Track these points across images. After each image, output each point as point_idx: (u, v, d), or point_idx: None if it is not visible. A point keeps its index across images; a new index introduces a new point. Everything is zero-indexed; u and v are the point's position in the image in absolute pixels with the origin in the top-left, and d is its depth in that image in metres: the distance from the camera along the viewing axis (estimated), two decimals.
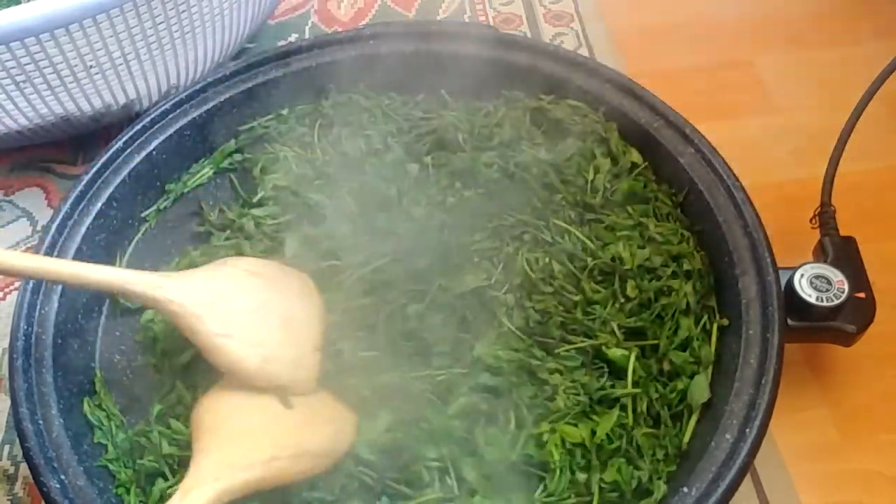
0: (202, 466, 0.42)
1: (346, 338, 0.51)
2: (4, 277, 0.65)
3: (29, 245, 0.67)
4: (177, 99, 0.62)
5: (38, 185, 0.71)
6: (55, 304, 0.53)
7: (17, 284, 0.65)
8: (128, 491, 0.48)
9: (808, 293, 0.51)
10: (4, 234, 0.68)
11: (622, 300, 0.53)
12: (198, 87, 0.63)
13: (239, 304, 0.48)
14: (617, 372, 0.51)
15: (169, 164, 0.62)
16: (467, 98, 0.65)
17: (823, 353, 0.58)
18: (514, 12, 0.83)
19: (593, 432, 0.48)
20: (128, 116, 0.68)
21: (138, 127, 0.60)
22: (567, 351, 0.51)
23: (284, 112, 0.66)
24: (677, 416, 0.50)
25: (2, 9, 0.55)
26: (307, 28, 0.83)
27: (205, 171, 0.63)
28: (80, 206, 0.57)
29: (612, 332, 0.52)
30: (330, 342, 0.51)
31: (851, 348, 0.53)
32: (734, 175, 0.55)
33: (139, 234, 0.60)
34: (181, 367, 0.52)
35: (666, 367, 0.51)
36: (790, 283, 0.51)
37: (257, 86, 0.64)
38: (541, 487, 0.47)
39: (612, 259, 0.55)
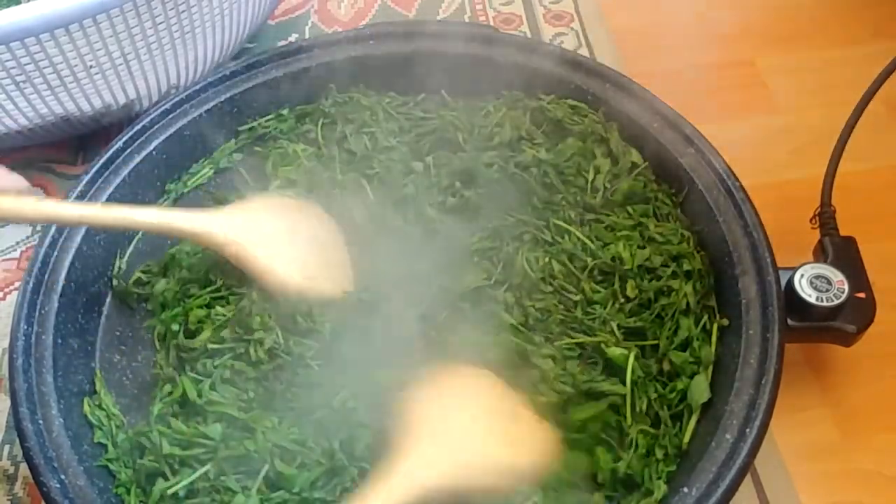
0: (411, 460, 0.42)
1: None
2: (4, 277, 0.65)
3: (29, 245, 0.67)
4: (177, 99, 0.62)
5: (38, 185, 0.71)
6: (55, 304, 0.53)
7: (17, 284, 0.65)
8: (128, 491, 0.48)
9: (808, 293, 0.51)
10: (4, 234, 0.68)
11: (622, 300, 0.53)
12: (198, 87, 0.63)
13: (271, 230, 0.52)
14: (615, 370, 0.51)
15: (169, 164, 0.62)
16: (467, 98, 0.65)
17: (823, 353, 0.58)
18: (514, 12, 0.83)
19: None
20: (128, 116, 0.68)
21: (138, 127, 0.60)
22: (567, 345, 0.51)
23: (284, 112, 0.66)
24: (677, 416, 0.50)
25: (2, 9, 0.55)
26: (307, 28, 0.83)
27: (205, 171, 0.64)
28: None
29: (612, 332, 0.52)
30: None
31: (851, 348, 0.53)
32: (734, 175, 0.55)
33: (139, 234, 0.60)
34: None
35: (666, 367, 0.51)
36: (790, 283, 0.51)
37: (257, 86, 0.64)
38: None
39: (612, 259, 0.55)
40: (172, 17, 0.61)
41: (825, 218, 0.56)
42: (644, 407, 0.49)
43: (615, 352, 0.50)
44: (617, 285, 0.54)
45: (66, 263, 0.54)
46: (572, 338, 0.51)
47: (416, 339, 0.52)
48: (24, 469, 0.56)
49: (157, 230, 0.51)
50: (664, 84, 0.62)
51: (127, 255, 0.59)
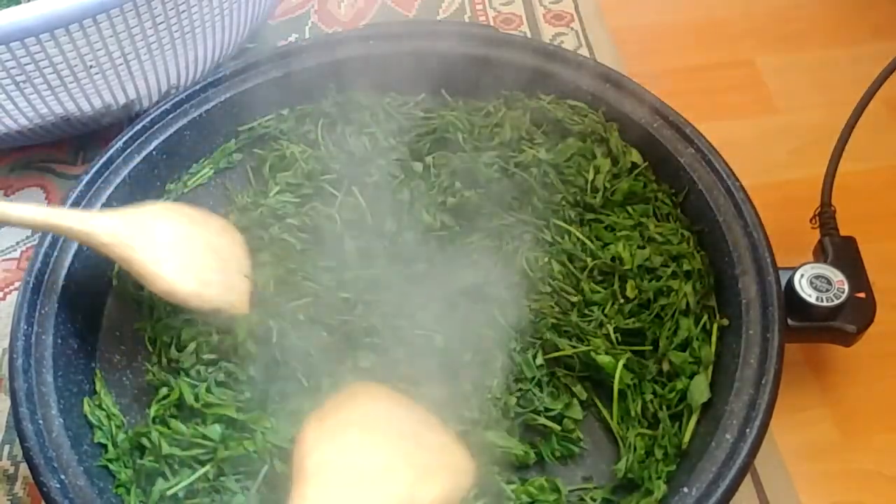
0: None
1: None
2: (4, 277, 0.65)
3: (29, 245, 0.67)
4: (177, 99, 0.62)
5: (38, 185, 0.71)
6: (55, 304, 0.53)
7: (17, 284, 0.65)
8: (128, 491, 0.48)
9: (808, 293, 0.51)
10: (4, 234, 0.68)
11: (622, 300, 0.53)
12: (198, 87, 0.63)
13: (166, 235, 0.51)
14: (605, 379, 0.51)
15: (169, 164, 0.62)
16: (467, 98, 0.65)
17: (823, 353, 0.58)
18: (514, 12, 0.83)
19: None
20: (128, 116, 0.68)
21: (138, 127, 0.60)
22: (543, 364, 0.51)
23: (284, 112, 0.66)
24: (677, 416, 0.50)
25: (2, 9, 0.55)
26: (307, 28, 0.83)
27: (205, 171, 0.64)
28: (80, 206, 0.57)
29: (606, 336, 0.52)
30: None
31: (851, 348, 0.53)
32: (734, 175, 0.55)
33: None
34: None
35: (665, 367, 0.51)
36: (790, 283, 0.51)
37: (257, 86, 0.64)
38: None
39: (612, 259, 0.55)
40: (172, 17, 0.61)
41: (825, 218, 0.56)
42: (639, 410, 0.50)
43: (604, 359, 0.50)
44: (616, 285, 0.54)
45: (66, 263, 0.54)
46: (560, 348, 0.51)
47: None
48: (24, 469, 0.56)
49: (40, 227, 0.50)
50: (664, 84, 0.62)
51: None
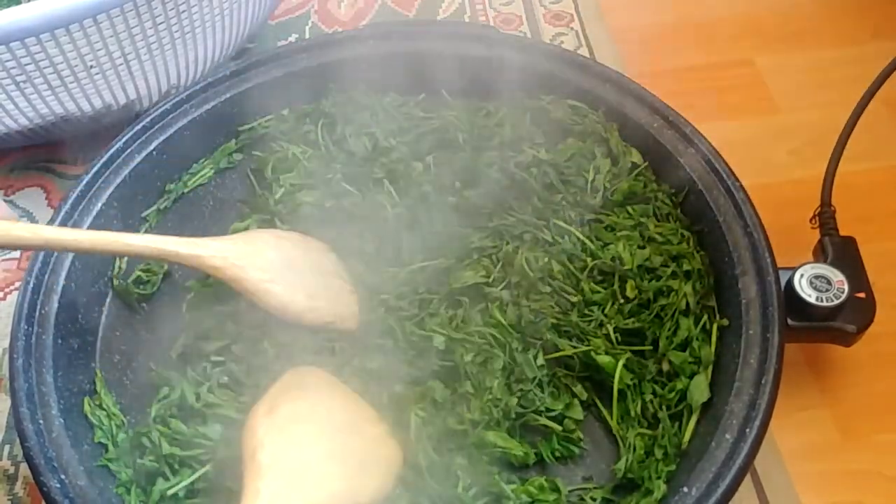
0: None
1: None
2: (5, 277, 0.65)
3: None
4: (177, 99, 0.62)
5: (38, 185, 0.71)
6: (55, 304, 0.53)
7: (17, 284, 0.65)
8: (128, 491, 0.48)
9: (808, 293, 0.51)
10: None
11: (621, 300, 0.53)
12: (198, 87, 0.63)
13: (273, 257, 0.52)
14: (600, 383, 0.51)
15: (169, 164, 0.62)
16: (467, 98, 0.65)
17: (823, 353, 0.58)
18: (514, 12, 0.83)
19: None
20: (128, 116, 0.68)
21: (138, 127, 0.60)
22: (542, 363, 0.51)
23: (284, 112, 0.66)
24: (677, 416, 0.50)
25: (2, 9, 0.55)
26: (307, 28, 0.83)
27: (205, 171, 0.64)
28: (81, 206, 0.57)
29: (606, 336, 0.52)
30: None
31: (851, 348, 0.53)
32: (734, 175, 0.55)
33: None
34: None
35: (665, 367, 0.51)
36: (790, 283, 0.51)
37: (257, 86, 0.64)
38: None
39: (612, 259, 0.55)
40: (172, 17, 0.61)
41: (825, 218, 0.56)
42: (638, 410, 0.50)
43: (604, 359, 0.50)
44: (616, 285, 0.54)
45: (67, 263, 0.54)
46: (560, 348, 0.51)
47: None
48: (24, 469, 0.56)
49: (153, 256, 0.50)
50: (664, 84, 0.62)
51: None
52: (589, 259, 0.55)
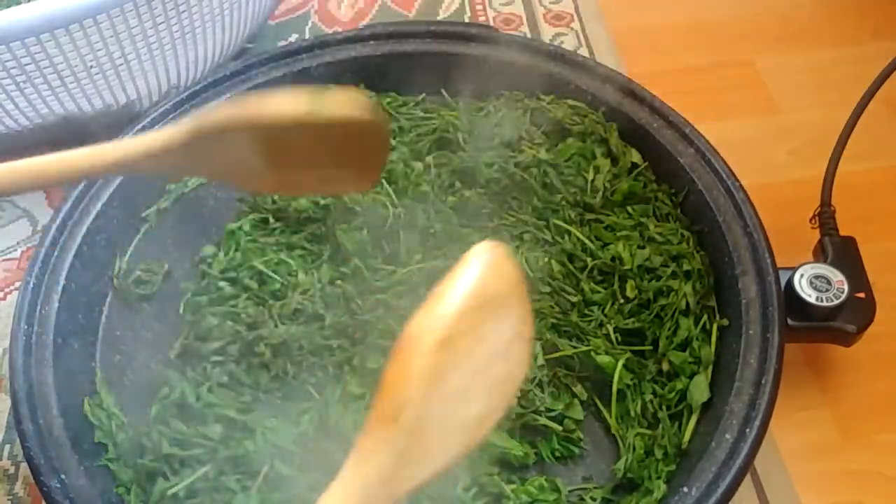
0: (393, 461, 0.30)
1: None
2: (5, 277, 0.65)
3: (29, 245, 0.67)
4: (177, 99, 0.62)
5: None
6: (55, 304, 0.53)
7: (17, 284, 0.65)
8: (128, 491, 0.48)
9: (807, 293, 0.51)
10: (4, 234, 0.68)
11: (621, 300, 0.53)
12: (198, 87, 0.63)
13: None
14: (605, 379, 0.51)
15: None
16: (467, 98, 0.65)
17: (823, 353, 0.58)
18: (514, 12, 0.83)
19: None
20: (128, 116, 0.68)
21: (138, 127, 0.60)
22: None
23: None
24: (677, 416, 0.50)
25: (2, 9, 0.55)
26: (307, 28, 0.83)
27: None
28: (81, 206, 0.57)
29: (606, 336, 0.52)
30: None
31: (851, 348, 0.53)
32: (734, 175, 0.55)
33: (140, 234, 0.60)
34: None
35: (665, 367, 0.51)
36: (790, 283, 0.51)
37: (257, 86, 0.64)
38: None
39: (612, 259, 0.55)
40: (172, 17, 0.61)
41: (825, 218, 0.56)
42: (638, 410, 0.50)
43: (604, 359, 0.50)
44: (616, 285, 0.54)
45: (67, 263, 0.54)
46: (560, 348, 0.51)
47: None
48: (24, 469, 0.56)
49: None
50: (664, 84, 0.62)
51: (127, 254, 0.59)
52: (589, 259, 0.55)
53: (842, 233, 0.56)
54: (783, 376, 0.47)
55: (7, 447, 0.57)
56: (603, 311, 0.53)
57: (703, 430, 0.48)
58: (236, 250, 0.58)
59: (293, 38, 0.82)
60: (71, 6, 0.55)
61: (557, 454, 0.50)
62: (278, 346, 0.52)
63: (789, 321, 0.50)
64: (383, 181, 0.60)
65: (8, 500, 0.54)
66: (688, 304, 0.52)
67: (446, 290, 0.31)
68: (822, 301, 0.51)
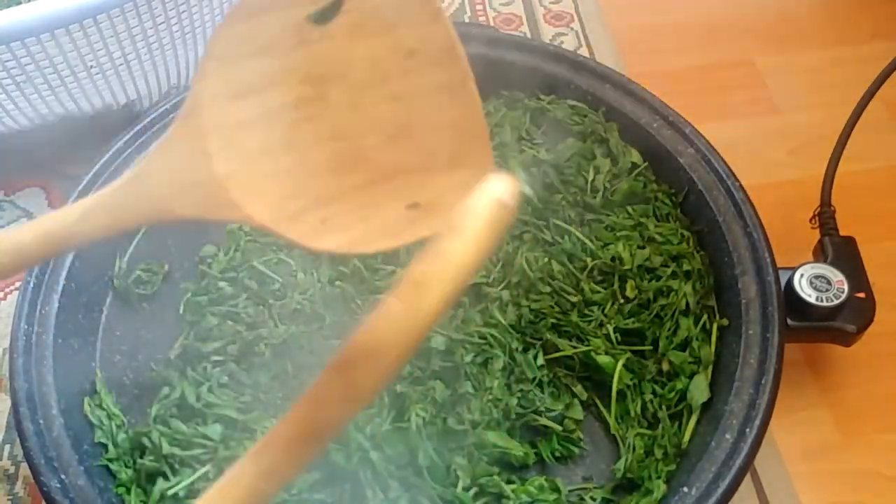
0: None
1: None
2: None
3: None
4: (177, 99, 0.62)
5: (38, 185, 0.71)
6: (55, 304, 0.53)
7: (17, 284, 0.65)
8: (128, 491, 0.48)
9: (807, 293, 0.51)
10: None
11: (621, 300, 0.53)
12: None
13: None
14: (605, 379, 0.51)
15: None
16: None
17: (823, 353, 0.58)
18: (514, 13, 0.83)
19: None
20: (128, 116, 0.68)
21: (138, 127, 0.60)
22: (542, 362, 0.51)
23: None
24: (677, 416, 0.50)
25: (2, 9, 0.55)
26: None
27: None
28: None
29: (606, 336, 0.52)
30: None
31: (851, 348, 0.53)
32: (734, 175, 0.55)
33: (140, 234, 0.60)
34: None
35: (665, 367, 0.51)
36: (790, 283, 0.51)
37: None
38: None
39: (612, 259, 0.55)
40: (172, 17, 0.61)
41: (825, 218, 0.56)
42: (638, 410, 0.50)
43: (604, 359, 0.50)
44: (616, 285, 0.54)
45: (67, 263, 0.54)
46: (560, 348, 0.51)
47: None
48: (24, 469, 0.56)
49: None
50: (664, 84, 0.62)
51: (127, 254, 0.59)
52: (589, 259, 0.55)
53: (842, 233, 0.56)
54: (783, 376, 0.47)
55: (7, 447, 0.57)
56: (603, 311, 0.53)
57: (703, 430, 0.48)
58: (236, 250, 0.58)
59: None
60: (71, 6, 0.55)
61: (557, 454, 0.50)
62: (278, 346, 0.52)
63: (789, 321, 0.50)
64: None
65: (8, 500, 0.54)
66: (688, 304, 0.52)
67: None
68: (821, 301, 0.51)
